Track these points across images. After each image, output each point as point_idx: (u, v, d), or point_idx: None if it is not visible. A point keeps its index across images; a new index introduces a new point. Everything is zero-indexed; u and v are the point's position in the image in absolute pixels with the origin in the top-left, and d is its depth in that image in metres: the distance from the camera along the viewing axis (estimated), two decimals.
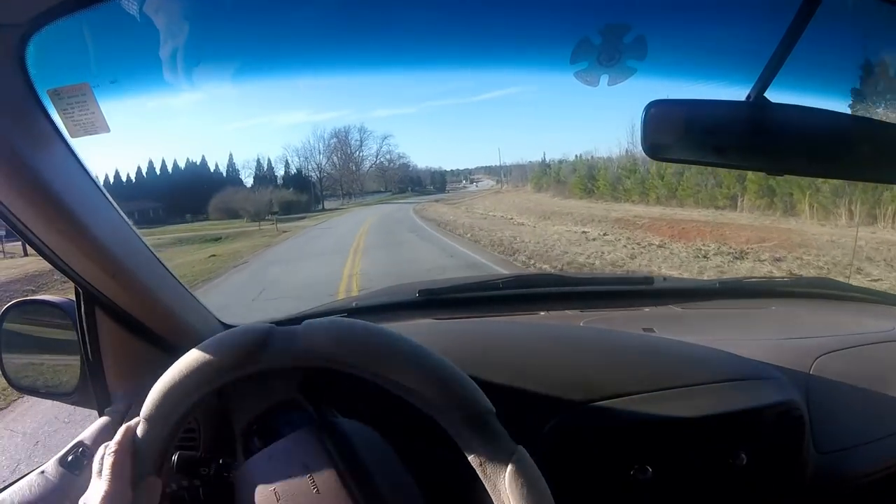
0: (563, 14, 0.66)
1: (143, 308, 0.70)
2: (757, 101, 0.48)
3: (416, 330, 0.84)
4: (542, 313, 1.03)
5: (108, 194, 0.62)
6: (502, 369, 0.67)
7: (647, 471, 0.62)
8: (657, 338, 0.84)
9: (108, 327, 0.71)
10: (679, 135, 0.51)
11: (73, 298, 0.72)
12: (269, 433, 0.66)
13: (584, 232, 11.39)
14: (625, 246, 9.07)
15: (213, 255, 12.10)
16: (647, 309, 1.05)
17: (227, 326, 0.83)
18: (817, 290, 1.18)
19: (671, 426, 0.63)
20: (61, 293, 0.84)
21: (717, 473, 0.65)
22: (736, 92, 0.50)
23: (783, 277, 2.01)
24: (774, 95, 0.48)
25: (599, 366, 0.72)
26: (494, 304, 1.08)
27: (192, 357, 0.52)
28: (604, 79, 0.62)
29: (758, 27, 0.60)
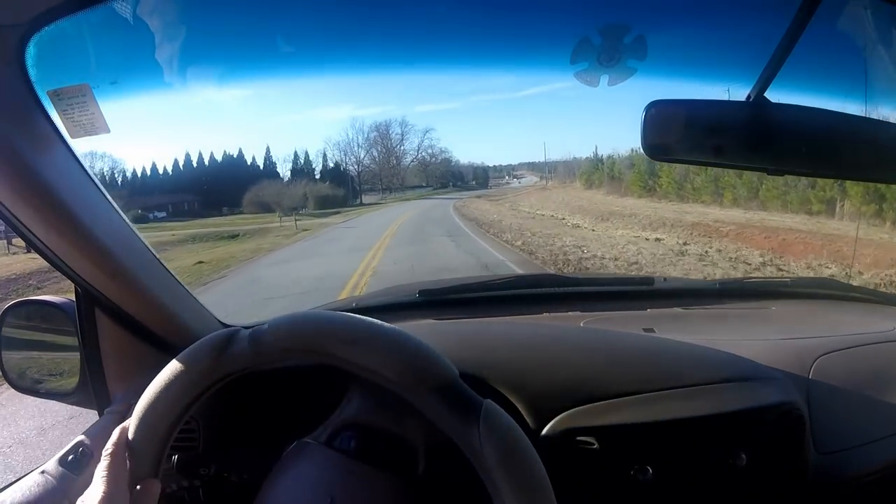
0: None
1: (143, 308, 0.70)
2: (757, 100, 0.48)
3: (417, 331, 0.83)
4: (543, 314, 1.03)
5: (108, 195, 0.63)
6: (503, 370, 0.67)
7: (647, 471, 0.62)
8: (658, 338, 0.84)
9: (108, 327, 0.71)
10: (679, 135, 0.51)
11: (73, 299, 0.72)
12: (371, 452, 0.58)
13: (658, 239, 9.52)
14: (733, 267, 6.88)
15: (201, 262, 10.35)
16: (647, 309, 1.05)
17: (226, 327, 0.83)
18: (817, 291, 1.17)
19: (671, 426, 0.63)
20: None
21: (717, 474, 0.65)
22: (736, 91, 0.51)
23: (783, 278, 2.00)
24: (774, 95, 0.48)
25: (600, 366, 0.72)
26: (495, 305, 1.07)
27: (174, 364, 0.51)
28: (604, 78, 0.62)
29: (758, 27, 0.60)
